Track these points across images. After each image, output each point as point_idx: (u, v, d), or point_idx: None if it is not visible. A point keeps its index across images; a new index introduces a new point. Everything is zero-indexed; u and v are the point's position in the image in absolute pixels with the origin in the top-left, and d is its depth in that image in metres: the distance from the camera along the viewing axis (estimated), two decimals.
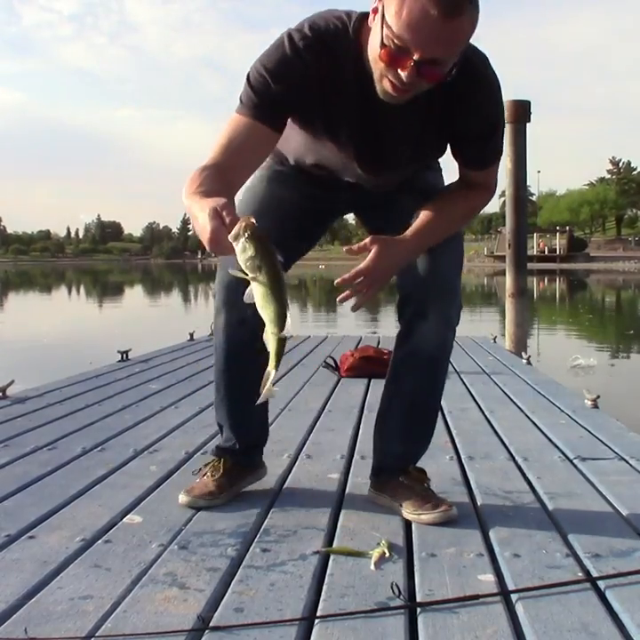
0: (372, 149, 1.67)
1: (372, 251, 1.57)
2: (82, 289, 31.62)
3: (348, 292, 1.60)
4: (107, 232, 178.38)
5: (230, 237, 1.29)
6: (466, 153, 1.69)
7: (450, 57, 1.41)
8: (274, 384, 1.47)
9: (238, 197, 1.73)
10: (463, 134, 1.65)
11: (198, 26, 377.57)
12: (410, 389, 1.82)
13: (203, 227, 1.32)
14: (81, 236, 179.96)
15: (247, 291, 1.34)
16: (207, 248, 1.36)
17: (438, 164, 1.89)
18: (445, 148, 1.73)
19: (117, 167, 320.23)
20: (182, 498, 1.83)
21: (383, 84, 1.46)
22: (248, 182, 1.74)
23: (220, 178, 1.47)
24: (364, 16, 1.51)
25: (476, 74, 1.57)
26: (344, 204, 1.91)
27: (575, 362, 6.71)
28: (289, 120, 1.61)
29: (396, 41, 1.36)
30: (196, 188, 1.43)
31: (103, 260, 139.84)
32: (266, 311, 1.33)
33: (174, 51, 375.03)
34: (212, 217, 1.31)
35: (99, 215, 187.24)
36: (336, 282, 1.62)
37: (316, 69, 1.52)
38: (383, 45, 1.39)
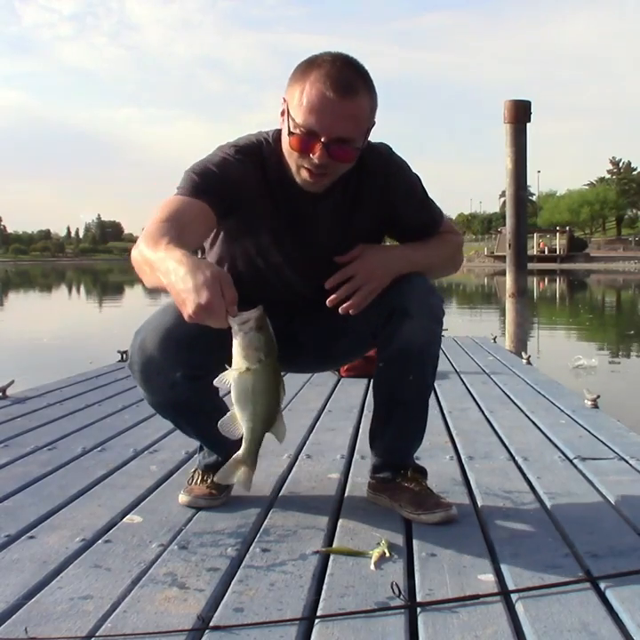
0: (302, 249, 1.71)
1: (360, 254, 1.61)
2: (82, 289, 31.62)
3: (338, 292, 1.60)
4: (107, 232, 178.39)
5: (235, 321, 1.26)
6: (409, 229, 1.76)
7: (354, 134, 1.52)
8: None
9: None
10: (396, 214, 1.73)
11: (198, 26, 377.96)
12: (401, 387, 1.76)
13: (194, 288, 1.28)
14: (81, 235, 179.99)
15: (220, 376, 1.30)
16: (190, 311, 1.29)
17: None
18: (381, 236, 1.77)
19: (118, 167, 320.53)
20: (182, 497, 1.83)
21: (301, 175, 1.59)
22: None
23: (178, 242, 1.42)
24: (280, 131, 1.64)
25: (384, 157, 1.70)
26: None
27: (577, 362, 6.70)
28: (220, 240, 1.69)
29: (301, 129, 1.50)
30: (167, 242, 1.40)
31: (103, 259, 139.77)
32: (252, 404, 1.27)
33: (174, 50, 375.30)
34: (212, 285, 1.27)
35: (99, 215, 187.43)
36: (326, 284, 1.62)
37: (245, 175, 1.62)
38: (291, 134, 1.51)
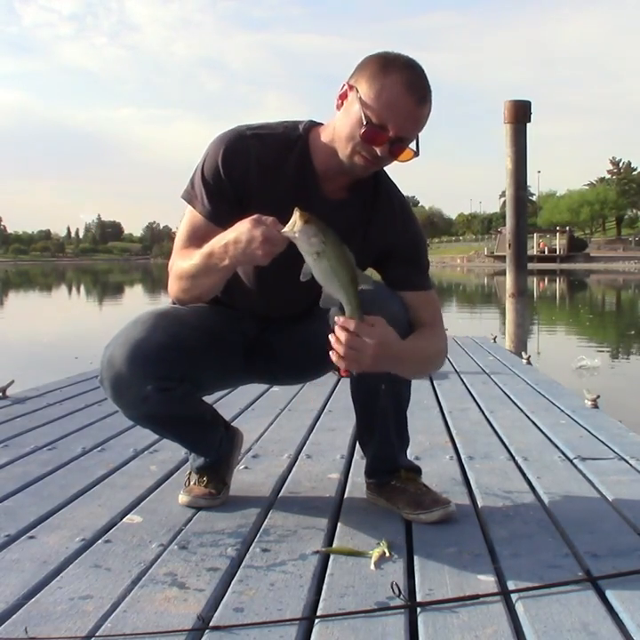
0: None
1: (376, 321, 1.52)
2: (82, 289, 31.63)
3: (335, 349, 1.50)
4: (107, 232, 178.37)
5: (286, 229, 1.41)
6: (395, 271, 1.75)
7: (414, 137, 1.61)
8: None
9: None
10: (390, 250, 1.74)
11: (198, 26, 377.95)
12: (377, 396, 1.75)
13: (249, 239, 1.44)
14: (81, 235, 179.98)
15: (304, 268, 1.43)
16: (260, 253, 1.44)
17: None
18: (365, 264, 1.72)
19: (117, 167, 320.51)
20: (182, 497, 1.83)
21: (354, 160, 1.60)
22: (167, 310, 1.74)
23: None
24: (315, 123, 1.70)
25: (403, 203, 1.80)
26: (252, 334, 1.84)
27: (580, 363, 6.68)
28: None
29: (375, 121, 1.54)
30: (194, 252, 1.58)
31: (103, 259, 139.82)
32: (336, 276, 1.42)
33: (174, 50, 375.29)
34: (256, 225, 1.43)
35: (99, 215, 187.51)
36: (338, 321, 1.51)
37: (260, 158, 1.64)
38: (365, 123, 1.54)
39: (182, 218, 1.70)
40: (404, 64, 1.56)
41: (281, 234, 1.41)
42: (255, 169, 1.64)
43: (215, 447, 1.89)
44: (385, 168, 1.72)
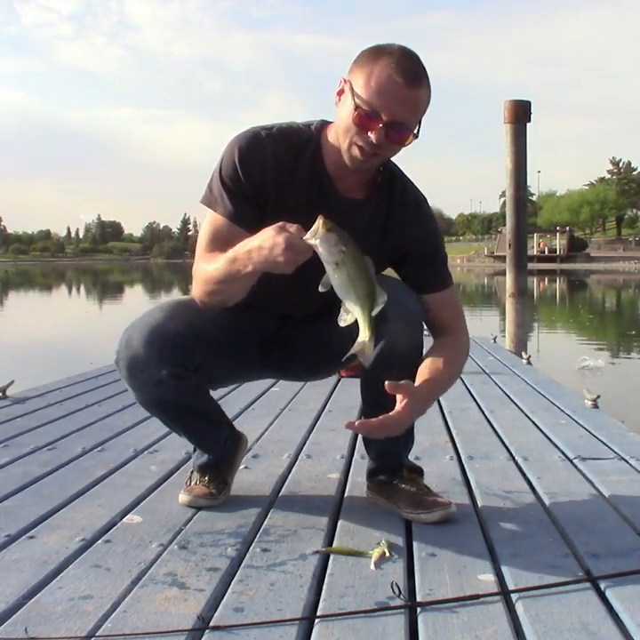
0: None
1: (405, 401, 1.54)
2: (82, 289, 31.62)
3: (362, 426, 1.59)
4: (107, 232, 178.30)
5: (308, 236, 1.41)
6: (413, 272, 1.77)
7: (412, 121, 1.59)
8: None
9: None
10: (408, 249, 1.75)
11: (198, 26, 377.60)
12: (383, 396, 1.65)
13: (271, 244, 1.43)
14: (81, 235, 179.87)
15: (323, 279, 1.44)
16: (283, 260, 1.42)
17: None
18: (383, 265, 1.76)
19: (117, 167, 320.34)
20: (182, 497, 1.83)
21: (352, 152, 1.59)
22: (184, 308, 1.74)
23: None
24: (326, 122, 1.70)
25: (420, 200, 1.79)
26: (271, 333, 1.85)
27: (583, 363, 6.66)
28: None
29: (365, 107, 1.54)
30: (218, 256, 1.57)
31: (103, 259, 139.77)
32: (353, 290, 1.43)
33: (174, 50, 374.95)
34: (279, 231, 1.42)
35: (99, 215, 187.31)
36: (358, 426, 1.60)
37: (277, 158, 1.65)
38: (355, 109, 1.54)
39: (203, 223, 1.70)
40: (395, 49, 1.56)
41: (304, 242, 1.41)
42: (272, 169, 1.65)
43: (220, 445, 1.89)
44: (399, 166, 1.71)
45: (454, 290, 1.84)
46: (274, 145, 1.65)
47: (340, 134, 1.61)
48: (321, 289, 1.44)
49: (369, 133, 1.55)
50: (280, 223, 1.45)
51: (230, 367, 1.84)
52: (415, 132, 1.60)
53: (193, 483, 1.88)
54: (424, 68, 1.59)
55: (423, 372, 1.67)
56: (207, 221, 1.69)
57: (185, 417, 1.81)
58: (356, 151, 1.59)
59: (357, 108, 1.54)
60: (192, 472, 1.91)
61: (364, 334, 1.47)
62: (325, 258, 1.41)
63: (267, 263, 1.46)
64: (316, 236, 1.40)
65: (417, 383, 1.63)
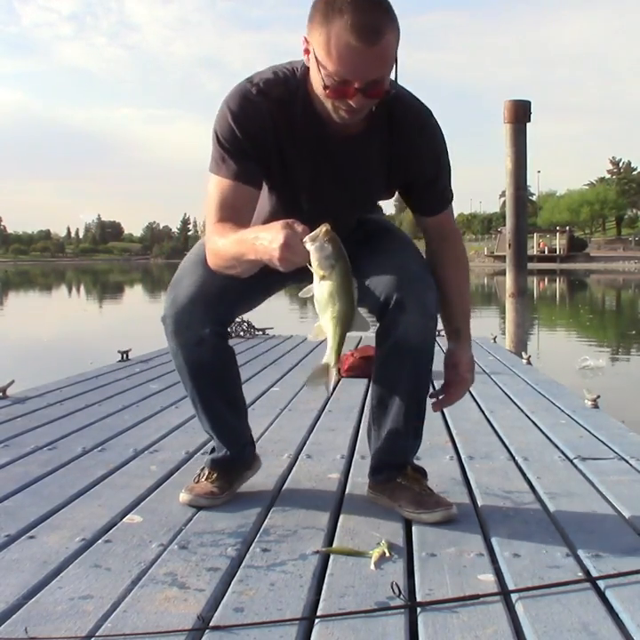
0: (324, 190, 1.72)
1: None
2: (82, 289, 31.62)
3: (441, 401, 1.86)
4: (107, 232, 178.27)
5: (308, 238, 1.40)
6: (419, 198, 1.81)
7: (385, 72, 1.53)
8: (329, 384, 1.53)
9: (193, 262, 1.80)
10: (413, 176, 1.75)
11: (197, 26, 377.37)
12: (397, 384, 1.78)
13: (271, 239, 1.42)
14: (81, 235, 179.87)
15: (306, 288, 1.47)
16: (277, 256, 1.41)
17: (380, 208, 2.00)
18: (393, 191, 1.81)
19: (117, 167, 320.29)
20: (183, 496, 1.84)
21: (339, 114, 1.57)
22: (196, 252, 1.81)
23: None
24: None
25: (422, 117, 1.73)
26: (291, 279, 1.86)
27: (584, 363, 6.65)
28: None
29: (335, 77, 1.49)
30: (234, 232, 1.56)
31: (103, 259, 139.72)
32: (331, 307, 1.43)
33: (173, 50, 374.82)
34: (285, 227, 1.41)
35: (99, 215, 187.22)
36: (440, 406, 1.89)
37: (271, 113, 1.62)
38: (325, 86, 1.51)
39: (208, 190, 1.67)
40: (345, 5, 1.45)
41: (302, 245, 1.40)
42: (269, 124, 1.63)
43: (240, 442, 1.92)
44: (396, 82, 1.65)
45: (452, 209, 1.86)
46: (265, 100, 1.62)
47: (321, 97, 1.57)
48: (301, 295, 1.48)
49: (348, 100, 1.52)
50: (289, 220, 1.43)
51: (257, 304, 1.94)
52: (394, 71, 1.57)
53: (200, 479, 1.88)
54: (383, 8, 1.49)
55: (448, 317, 1.85)
56: (212, 187, 1.66)
57: (216, 390, 1.84)
58: (341, 113, 1.56)
59: (326, 81, 1.50)
60: (202, 469, 1.91)
61: (328, 358, 1.48)
62: (315, 267, 1.41)
63: (265, 255, 1.44)
64: (315, 241, 1.40)
65: (447, 332, 1.86)
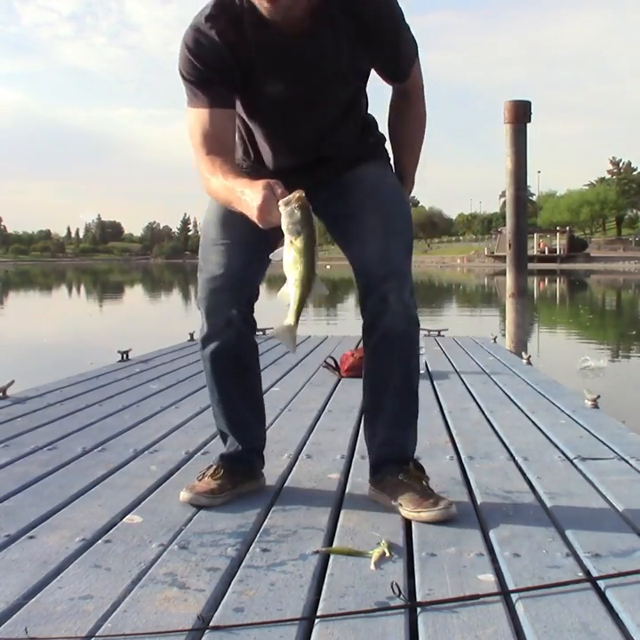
0: (294, 91, 1.76)
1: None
2: (82, 289, 31.62)
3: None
4: (107, 232, 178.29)
5: (281, 202, 1.50)
6: (388, 66, 1.82)
7: None
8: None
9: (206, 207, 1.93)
10: (377, 43, 1.74)
11: None
12: (387, 377, 1.86)
13: (252, 198, 1.53)
14: (81, 235, 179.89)
15: (276, 251, 1.55)
16: (255, 215, 1.53)
17: (385, 152, 1.98)
18: (366, 70, 1.82)
19: (117, 167, 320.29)
20: (183, 494, 1.84)
21: (263, 6, 1.62)
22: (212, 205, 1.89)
23: (231, 165, 1.70)
24: None
25: None
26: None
27: (585, 363, 6.65)
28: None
29: None
30: (224, 174, 1.65)
31: (103, 259, 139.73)
32: (294, 271, 1.51)
33: (174, 50, 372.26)
34: (265, 188, 1.52)
35: (99, 215, 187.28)
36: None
37: (222, 35, 1.68)
38: None
39: (188, 124, 1.75)
40: None
41: (275, 210, 1.50)
42: (224, 46, 1.68)
43: (253, 442, 1.97)
44: None
45: (419, 62, 1.85)
46: (215, 24, 1.68)
47: None
48: (271, 257, 1.59)
49: None
50: (272, 181, 1.53)
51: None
52: None
53: (205, 476, 1.89)
54: None
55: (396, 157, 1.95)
56: (192, 120, 1.74)
57: (236, 379, 1.92)
58: (265, 4, 1.60)
59: None
60: (209, 466, 1.93)
61: (288, 319, 1.56)
62: (284, 230, 1.50)
63: (247, 211, 1.55)
64: (287, 206, 1.49)
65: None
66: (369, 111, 1.95)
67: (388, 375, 1.85)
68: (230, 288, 1.85)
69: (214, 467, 1.91)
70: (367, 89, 1.91)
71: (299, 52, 1.70)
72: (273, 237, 1.78)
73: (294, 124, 1.81)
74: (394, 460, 1.84)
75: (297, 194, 1.49)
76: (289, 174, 1.78)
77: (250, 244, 1.82)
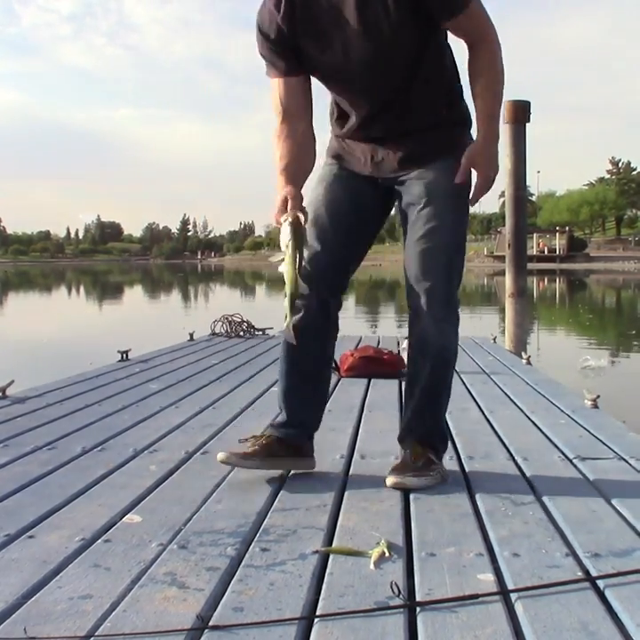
0: (356, 53, 1.85)
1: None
2: (82, 289, 31.61)
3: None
4: (106, 232, 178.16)
5: (283, 216, 1.83)
6: (438, 6, 1.82)
7: None
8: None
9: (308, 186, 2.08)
10: None
11: (197, 26, 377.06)
12: (417, 379, 2.07)
13: (275, 200, 1.86)
14: (81, 236, 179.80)
15: (275, 255, 1.85)
16: (273, 214, 1.87)
17: (464, 138, 2.01)
18: (423, 24, 1.84)
19: (117, 167, 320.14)
20: (219, 455, 1.98)
21: None
22: (313, 183, 2.08)
23: (293, 148, 1.93)
24: None
25: None
26: (382, 195, 2.08)
27: (585, 363, 6.65)
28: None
29: None
30: (279, 160, 1.92)
31: (103, 260, 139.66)
32: (285, 275, 1.83)
33: (173, 51, 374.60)
34: (281, 201, 1.85)
35: (98, 215, 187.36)
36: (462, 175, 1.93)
37: (279, 7, 1.85)
38: None
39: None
40: None
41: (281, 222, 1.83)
42: (280, 19, 1.86)
43: (305, 420, 2.09)
44: None
45: (478, 9, 1.86)
46: (273, 3, 1.86)
47: None
48: (270, 260, 1.86)
49: None
50: (289, 193, 1.83)
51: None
52: None
53: (249, 440, 2.03)
54: None
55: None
56: (272, 91, 1.96)
57: (308, 353, 2.07)
58: None
59: None
60: (253, 436, 2.06)
61: (285, 320, 1.90)
62: (281, 238, 1.82)
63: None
64: (284, 222, 1.82)
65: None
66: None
67: (417, 381, 2.08)
68: (321, 275, 2.00)
69: (266, 432, 2.05)
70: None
71: (348, 13, 1.80)
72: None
73: (363, 89, 1.92)
74: (416, 430, 2.07)
75: (291, 214, 1.82)
76: (377, 143, 1.98)
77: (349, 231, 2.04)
